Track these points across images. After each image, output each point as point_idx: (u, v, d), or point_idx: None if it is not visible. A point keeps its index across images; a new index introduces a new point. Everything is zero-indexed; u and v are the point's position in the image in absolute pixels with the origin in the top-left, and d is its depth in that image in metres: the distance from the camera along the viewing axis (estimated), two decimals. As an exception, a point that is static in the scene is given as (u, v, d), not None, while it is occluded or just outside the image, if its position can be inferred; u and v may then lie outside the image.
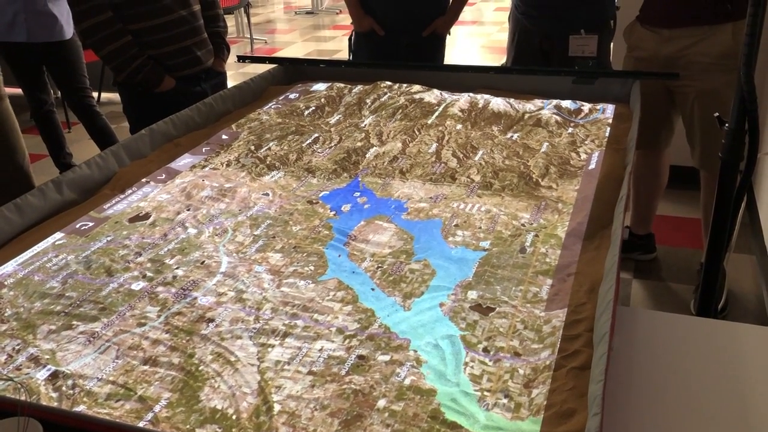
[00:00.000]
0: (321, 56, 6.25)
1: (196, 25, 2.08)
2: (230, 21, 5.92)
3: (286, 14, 8.55)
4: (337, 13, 8.06)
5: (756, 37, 1.11)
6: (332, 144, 1.72)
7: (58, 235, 1.30)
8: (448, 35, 2.68)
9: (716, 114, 1.26)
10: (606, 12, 2.38)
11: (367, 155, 1.65)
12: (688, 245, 2.62)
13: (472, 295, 1.06)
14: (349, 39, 2.72)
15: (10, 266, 1.20)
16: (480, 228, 1.27)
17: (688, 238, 2.66)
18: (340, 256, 1.20)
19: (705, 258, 1.41)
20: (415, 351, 0.94)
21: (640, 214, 2.44)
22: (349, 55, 2.74)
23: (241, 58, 2.20)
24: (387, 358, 0.93)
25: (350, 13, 2.63)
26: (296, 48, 6.67)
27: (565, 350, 0.92)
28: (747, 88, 1.14)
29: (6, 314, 1.06)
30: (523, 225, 1.28)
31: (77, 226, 1.34)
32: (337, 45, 6.64)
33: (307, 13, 8.30)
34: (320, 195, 1.45)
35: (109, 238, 1.29)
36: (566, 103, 1.86)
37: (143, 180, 1.53)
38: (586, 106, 1.84)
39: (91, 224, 1.34)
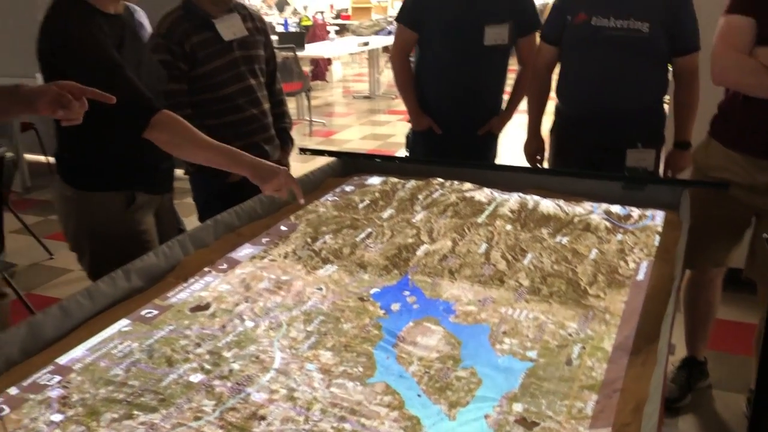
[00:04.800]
0: (376, 140, 6.46)
1: (266, 122, 2.23)
2: (291, 103, 6.17)
3: (345, 98, 8.91)
4: (393, 98, 8.34)
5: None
6: (384, 239, 1.78)
7: (124, 321, 1.38)
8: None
9: (765, 235, 1.27)
10: (660, 123, 2.41)
11: (417, 252, 1.70)
12: (741, 352, 2.55)
13: (517, 407, 1.08)
14: (407, 137, 2.85)
15: (80, 351, 1.28)
16: (527, 336, 1.29)
17: (740, 344, 2.59)
18: (388, 358, 1.24)
19: (755, 387, 1.38)
20: (459, 464, 0.96)
21: (702, 336, 2.33)
22: (406, 151, 2.85)
23: (303, 150, 2.32)
24: (431, 469, 0.95)
25: (409, 112, 2.74)
26: (353, 131, 6.91)
27: (609, 473, 0.93)
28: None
29: (73, 399, 1.13)
30: (570, 335, 1.30)
31: (142, 313, 1.42)
32: (392, 129, 6.85)
33: (365, 97, 8.62)
34: (371, 292, 1.50)
35: (171, 328, 1.36)
36: (616, 208, 1.89)
37: (205, 269, 1.62)
38: (636, 212, 1.87)
39: (155, 312, 1.42)
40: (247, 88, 2.16)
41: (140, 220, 1.90)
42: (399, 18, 2.70)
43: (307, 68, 7.91)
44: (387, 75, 9.11)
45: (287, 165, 2.37)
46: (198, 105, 2.11)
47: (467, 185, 2.12)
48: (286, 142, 2.36)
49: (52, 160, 5.27)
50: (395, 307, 1.43)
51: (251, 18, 2.25)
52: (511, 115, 2.75)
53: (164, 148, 1.71)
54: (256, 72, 2.22)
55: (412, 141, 2.80)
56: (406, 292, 1.50)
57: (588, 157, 2.34)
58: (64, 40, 1.67)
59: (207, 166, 2.16)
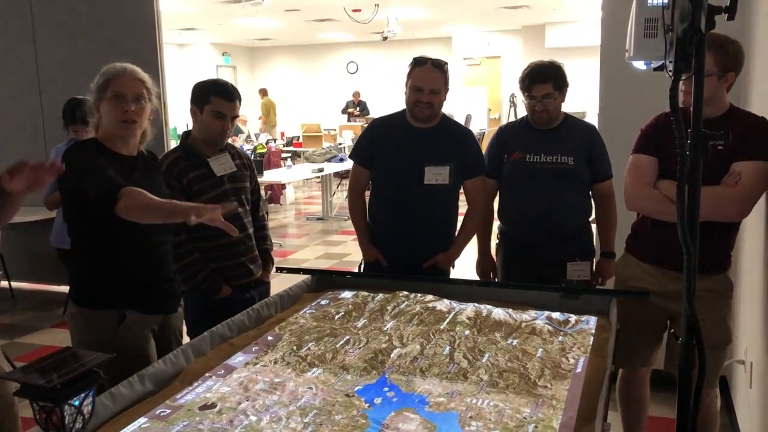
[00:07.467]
0: (331, 258, 6.78)
1: (251, 244, 2.54)
2: (249, 226, 6.47)
3: (298, 219, 9.28)
4: (345, 219, 8.75)
5: (693, 275, 1.49)
6: (361, 345, 2.05)
7: (142, 419, 1.58)
8: (452, 268, 2.90)
9: (671, 330, 1.61)
10: (590, 239, 2.85)
11: (391, 355, 1.96)
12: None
13: (487, 473, 1.33)
14: (359, 266, 2.98)
15: (107, 445, 1.47)
16: (490, 420, 1.56)
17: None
18: (377, 441, 1.48)
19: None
20: None
21: (637, 429, 2.59)
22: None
23: (280, 269, 2.60)
24: None
25: (359, 243, 2.91)
26: (308, 251, 7.22)
27: None
28: (690, 311, 1.50)
29: (110, 484, 1.32)
30: (524, 417, 1.57)
31: (157, 412, 1.62)
32: (346, 249, 7.20)
33: (318, 219, 9.02)
34: (355, 389, 1.75)
35: (185, 423, 1.57)
36: (556, 315, 2.23)
37: (206, 374, 1.84)
38: (573, 318, 2.20)
39: (168, 411, 1.63)
40: (235, 215, 2.47)
41: (134, 336, 2.09)
42: (352, 155, 2.96)
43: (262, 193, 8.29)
44: (339, 197, 9.59)
45: (268, 282, 2.64)
46: (193, 230, 2.39)
47: (429, 297, 2.42)
48: (267, 262, 2.65)
49: (14, 284, 5.35)
50: (377, 400, 1.68)
51: (239, 156, 2.62)
52: (459, 251, 2.86)
53: (134, 215, 1.88)
54: (243, 201, 2.55)
55: (364, 270, 2.94)
56: (386, 388, 1.75)
57: (531, 271, 2.70)
58: (69, 163, 1.93)
59: (199, 285, 2.42)
